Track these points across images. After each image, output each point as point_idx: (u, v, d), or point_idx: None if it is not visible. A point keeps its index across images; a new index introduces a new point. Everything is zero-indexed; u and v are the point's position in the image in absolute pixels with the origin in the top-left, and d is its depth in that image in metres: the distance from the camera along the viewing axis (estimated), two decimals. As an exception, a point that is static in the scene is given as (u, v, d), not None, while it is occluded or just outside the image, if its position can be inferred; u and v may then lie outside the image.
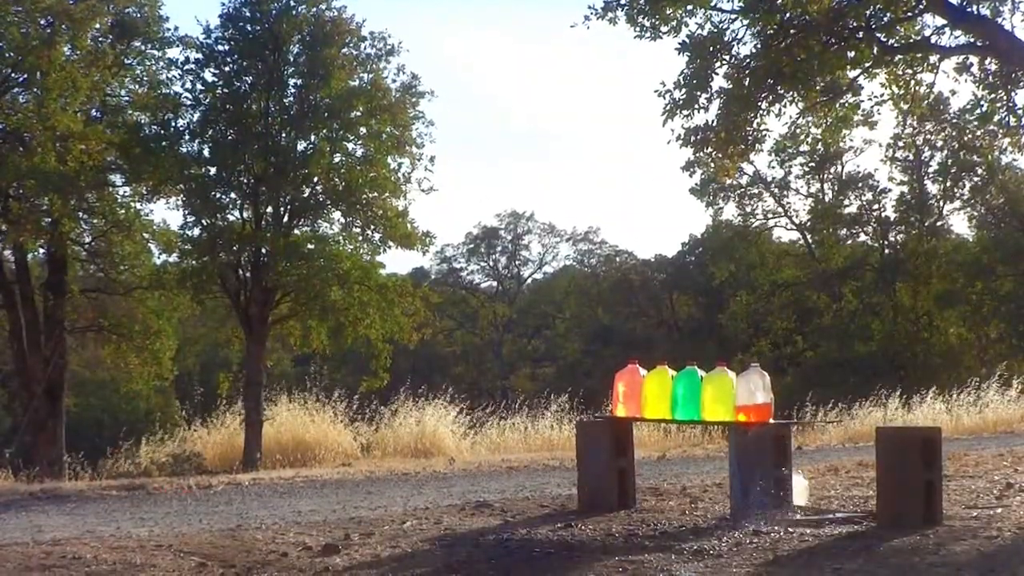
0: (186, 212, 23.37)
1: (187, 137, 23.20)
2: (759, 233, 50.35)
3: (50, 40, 21.90)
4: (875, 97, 16.14)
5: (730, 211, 49.43)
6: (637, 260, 59.82)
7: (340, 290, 22.70)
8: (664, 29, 15.07)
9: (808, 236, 49.91)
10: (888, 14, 14.79)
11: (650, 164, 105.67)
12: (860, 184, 47.78)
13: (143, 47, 24.45)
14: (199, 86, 23.47)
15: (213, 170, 23.20)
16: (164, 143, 22.73)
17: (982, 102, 15.90)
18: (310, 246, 22.98)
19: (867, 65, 15.05)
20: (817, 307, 47.80)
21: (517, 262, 65.35)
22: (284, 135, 23.09)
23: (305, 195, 23.13)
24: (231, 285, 23.43)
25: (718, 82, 15.24)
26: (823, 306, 47.29)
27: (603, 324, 57.67)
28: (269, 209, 23.15)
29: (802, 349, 46.35)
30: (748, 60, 15.04)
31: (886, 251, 47.03)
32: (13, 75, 23.26)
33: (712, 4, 15.00)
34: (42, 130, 21.20)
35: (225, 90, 23.22)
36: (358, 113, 23.11)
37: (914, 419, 22.94)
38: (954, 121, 16.66)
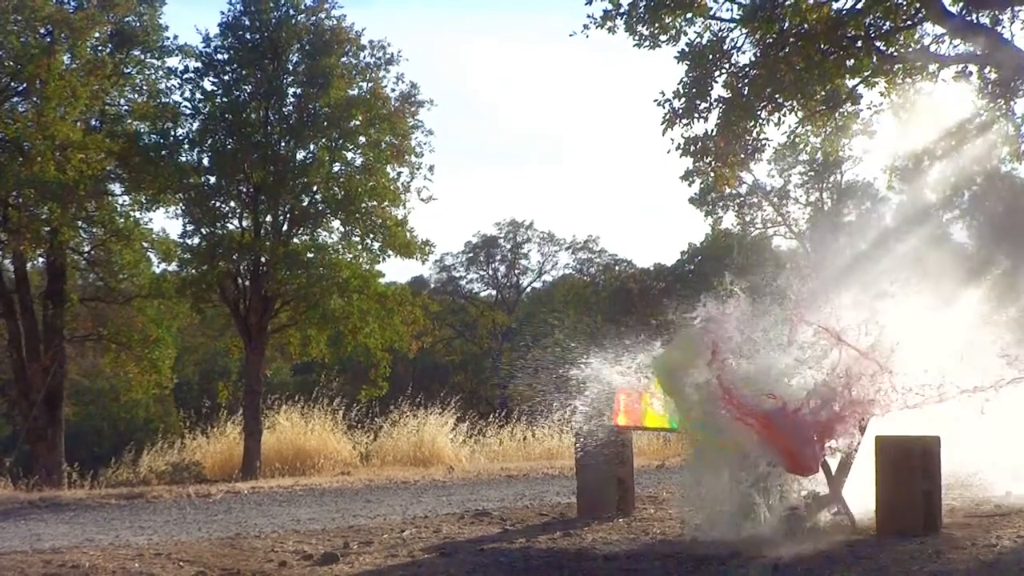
0: (186, 221, 23.42)
1: (186, 146, 23.21)
2: (758, 242, 50.26)
3: (49, 49, 21.87)
4: (874, 106, 16.17)
5: (729, 220, 49.35)
6: (636, 269, 59.72)
7: (340, 299, 22.68)
8: (663, 38, 15.11)
9: (807, 245, 49.87)
10: (887, 23, 14.82)
11: (650, 172, 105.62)
12: (859, 192, 47.75)
13: (142, 56, 24.36)
14: (198, 95, 23.49)
15: (212, 179, 23.21)
16: (163, 152, 22.74)
17: (982, 111, 15.94)
18: (309, 255, 22.95)
19: (866, 74, 15.07)
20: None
21: (516, 271, 65.25)
22: (283, 144, 23.08)
23: (304, 204, 23.13)
24: (230, 294, 23.41)
25: (717, 91, 15.29)
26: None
27: (602, 336, 57.40)
28: (268, 218, 23.15)
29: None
30: (747, 68, 15.07)
31: (885, 260, 46.94)
32: (12, 84, 23.22)
33: (711, 13, 15.04)
34: (41, 139, 21.15)
35: (224, 99, 23.20)
36: (357, 122, 23.11)
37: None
38: (953, 130, 16.66)
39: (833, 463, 9.71)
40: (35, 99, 22.25)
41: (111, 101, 24.29)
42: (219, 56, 23.42)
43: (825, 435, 9.26)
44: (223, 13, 23.47)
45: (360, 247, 23.52)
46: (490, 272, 64.90)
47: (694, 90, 15.09)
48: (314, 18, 23.24)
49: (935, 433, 9.33)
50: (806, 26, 14.46)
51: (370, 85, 23.27)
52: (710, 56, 15.03)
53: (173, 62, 24.37)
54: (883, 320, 9.42)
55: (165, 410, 43.35)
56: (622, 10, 14.98)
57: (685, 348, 9.77)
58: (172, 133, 23.20)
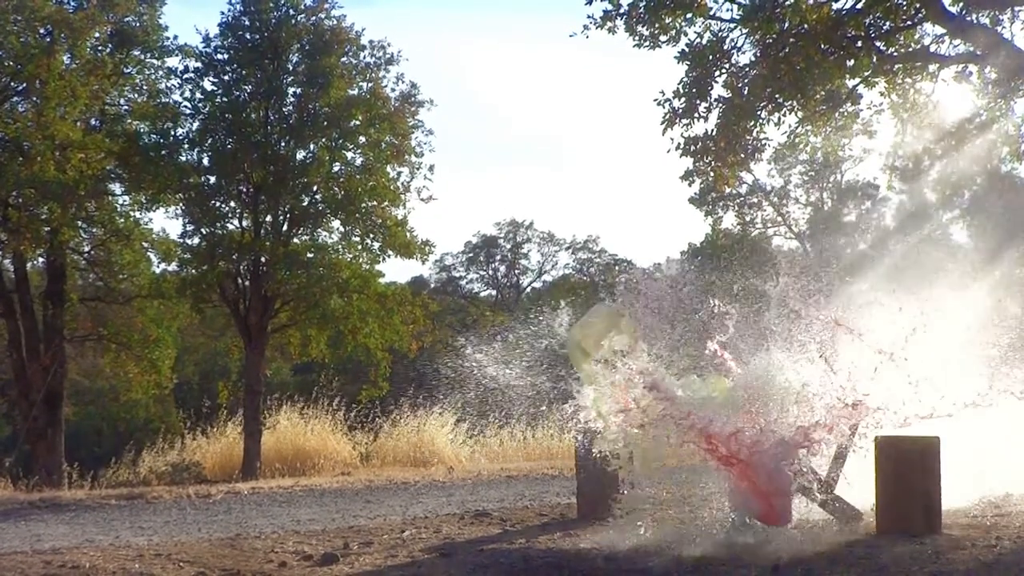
0: (185, 221, 23.40)
1: (186, 146, 23.19)
2: (758, 242, 50.18)
3: (49, 49, 21.88)
4: (874, 106, 16.16)
5: (729, 220, 49.29)
6: (636, 269, 59.58)
7: (339, 299, 22.66)
8: (663, 38, 15.11)
9: (807, 245, 49.83)
10: (887, 23, 14.82)
11: (650, 172, 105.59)
12: (859, 193, 47.72)
13: (142, 56, 24.35)
14: (198, 95, 23.45)
15: (212, 179, 23.19)
16: (163, 152, 22.72)
17: (982, 111, 15.94)
18: (309, 255, 22.93)
19: (866, 74, 15.06)
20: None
21: (516, 271, 65.26)
22: (283, 144, 23.06)
23: (304, 204, 23.11)
24: (230, 294, 23.41)
25: (717, 91, 15.28)
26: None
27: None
28: (268, 218, 23.13)
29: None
30: (747, 68, 15.07)
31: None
32: (12, 84, 23.22)
33: (711, 13, 15.03)
34: (41, 139, 21.14)
35: (224, 99, 23.17)
36: (357, 122, 23.08)
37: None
38: (953, 130, 16.66)
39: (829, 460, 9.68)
40: (35, 99, 22.25)
41: (111, 101, 24.29)
42: (219, 56, 23.40)
43: (807, 446, 9.13)
44: (223, 13, 23.50)
45: (360, 247, 23.50)
46: (490, 272, 64.92)
47: (694, 90, 15.09)
48: (314, 18, 23.22)
49: (935, 433, 9.32)
50: (806, 26, 14.45)
51: (370, 85, 23.26)
52: (710, 56, 15.03)
53: (173, 62, 24.38)
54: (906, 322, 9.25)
55: (165, 410, 43.30)
56: (622, 10, 14.98)
57: (598, 322, 9.51)
58: (172, 133, 23.18)
